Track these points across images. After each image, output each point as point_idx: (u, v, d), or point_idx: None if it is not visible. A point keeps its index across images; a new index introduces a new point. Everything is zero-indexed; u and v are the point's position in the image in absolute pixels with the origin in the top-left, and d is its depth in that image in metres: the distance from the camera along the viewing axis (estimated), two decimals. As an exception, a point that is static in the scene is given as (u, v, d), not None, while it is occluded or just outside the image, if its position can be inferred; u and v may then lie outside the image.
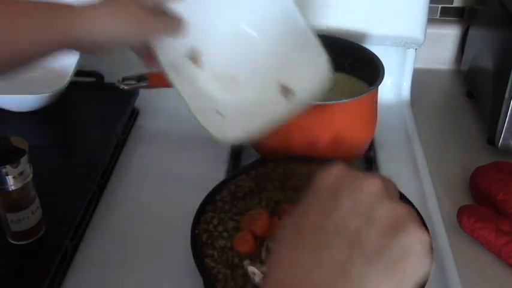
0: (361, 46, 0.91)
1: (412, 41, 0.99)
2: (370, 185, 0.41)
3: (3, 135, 0.68)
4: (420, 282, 0.39)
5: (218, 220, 0.69)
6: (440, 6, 1.14)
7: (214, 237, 0.67)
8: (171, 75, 0.63)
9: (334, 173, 0.43)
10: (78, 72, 0.93)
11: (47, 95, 0.87)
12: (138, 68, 0.92)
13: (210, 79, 0.69)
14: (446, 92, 1.12)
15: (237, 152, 0.90)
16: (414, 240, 0.39)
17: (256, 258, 0.64)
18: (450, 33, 1.15)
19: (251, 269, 0.62)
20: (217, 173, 0.84)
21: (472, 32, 1.09)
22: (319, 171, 0.43)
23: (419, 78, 1.07)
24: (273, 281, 0.39)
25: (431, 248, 0.41)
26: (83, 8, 0.56)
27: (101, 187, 0.84)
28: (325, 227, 0.39)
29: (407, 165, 0.90)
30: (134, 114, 0.99)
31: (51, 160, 0.81)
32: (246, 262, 0.64)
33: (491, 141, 0.92)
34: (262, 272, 0.62)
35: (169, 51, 0.64)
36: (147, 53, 0.63)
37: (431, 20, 1.02)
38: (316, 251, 0.38)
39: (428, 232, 0.44)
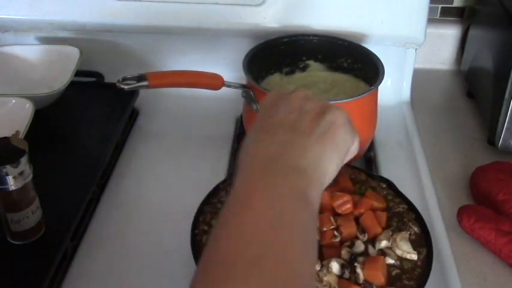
0: (361, 46, 0.91)
1: (412, 41, 0.99)
2: (298, 94, 0.57)
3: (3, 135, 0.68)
4: (352, 149, 0.56)
5: (216, 220, 0.69)
6: (440, 6, 1.14)
7: None
8: None
9: (271, 94, 0.59)
10: (78, 72, 0.93)
11: (47, 95, 0.87)
12: (138, 68, 0.92)
13: None
14: (446, 92, 1.12)
15: (237, 151, 0.90)
16: (337, 116, 0.54)
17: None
18: (450, 33, 1.15)
19: None
20: (217, 173, 0.84)
21: (472, 32, 1.09)
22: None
23: (419, 78, 1.07)
24: (245, 157, 0.53)
25: (352, 121, 0.56)
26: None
27: (101, 187, 0.83)
28: (272, 123, 0.54)
29: (407, 165, 0.90)
30: (134, 114, 0.99)
31: (51, 160, 0.81)
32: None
33: (491, 141, 0.92)
34: None
35: None
36: None
37: (431, 20, 1.01)
38: (268, 138, 0.53)
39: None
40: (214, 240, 0.46)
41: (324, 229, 0.67)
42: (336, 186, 0.73)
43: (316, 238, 0.48)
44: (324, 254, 0.65)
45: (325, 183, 0.52)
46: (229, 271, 0.42)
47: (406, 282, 0.63)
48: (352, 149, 0.56)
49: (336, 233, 0.66)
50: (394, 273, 0.64)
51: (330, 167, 0.53)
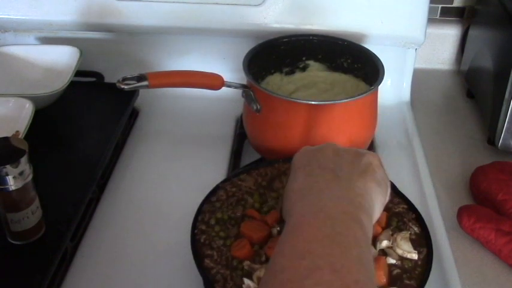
0: (361, 46, 0.91)
1: (412, 41, 0.99)
2: (329, 145, 0.60)
3: (3, 135, 0.68)
4: (388, 192, 0.58)
5: (215, 220, 0.69)
6: (440, 6, 1.14)
7: (212, 237, 0.67)
8: None
9: (303, 150, 0.61)
10: (78, 72, 0.93)
11: (47, 95, 0.87)
12: (138, 68, 0.92)
13: None
14: (446, 92, 1.12)
15: (237, 151, 0.90)
16: (373, 159, 0.57)
17: (254, 261, 0.64)
18: (450, 33, 1.15)
19: (247, 282, 0.62)
20: (217, 173, 0.84)
21: (472, 32, 1.09)
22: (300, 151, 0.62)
23: (419, 78, 1.07)
24: (292, 201, 0.54)
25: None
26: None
27: (101, 187, 0.84)
28: (312, 169, 0.56)
29: (407, 165, 0.90)
30: (134, 114, 0.99)
31: (51, 160, 0.81)
32: (246, 263, 0.64)
33: (491, 141, 0.92)
34: (258, 277, 0.62)
35: None
36: None
37: (431, 20, 1.01)
38: (312, 179, 0.55)
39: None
40: (271, 264, 0.47)
41: None
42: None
43: (372, 258, 0.48)
44: None
45: (373, 216, 0.53)
46: (285, 284, 0.42)
47: (407, 281, 0.63)
48: (388, 192, 0.58)
49: None
50: (395, 272, 0.64)
51: (376, 201, 0.54)
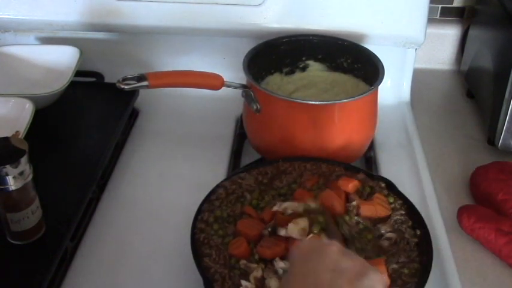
0: (361, 46, 0.91)
1: (412, 41, 0.99)
2: (332, 248, 0.52)
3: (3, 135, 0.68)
4: None
5: (214, 218, 0.69)
6: (440, 6, 1.14)
7: (211, 235, 0.67)
8: None
9: (303, 246, 0.55)
10: (78, 72, 0.93)
11: (47, 95, 0.87)
12: (138, 68, 0.92)
13: None
14: (446, 92, 1.12)
15: (237, 151, 0.90)
16: (376, 281, 0.50)
17: (250, 260, 0.65)
18: (450, 33, 1.15)
19: (244, 283, 0.62)
20: (217, 173, 0.84)
21: (472, 32, 1.09)
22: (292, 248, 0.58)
23: (419, 78, 1.07)
24: None
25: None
26: None
27: (101, 187, 0.84)
28: (306, 285, 0.50)
29: (407, 165, 0.90)
30: (134, 114, 0.99)
31: (51, 160, 0.81)
32: (242, 262, 0.64)
33: (491, 141, 0.92)
34: (255, 278, 0.62)
35: None
36: None
37: (431, 20, 1.01)
38: None
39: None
40: None
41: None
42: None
43: None
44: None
45: None
46: None
47: (407, 280, 0.63)
48: None
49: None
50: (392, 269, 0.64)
51: None
